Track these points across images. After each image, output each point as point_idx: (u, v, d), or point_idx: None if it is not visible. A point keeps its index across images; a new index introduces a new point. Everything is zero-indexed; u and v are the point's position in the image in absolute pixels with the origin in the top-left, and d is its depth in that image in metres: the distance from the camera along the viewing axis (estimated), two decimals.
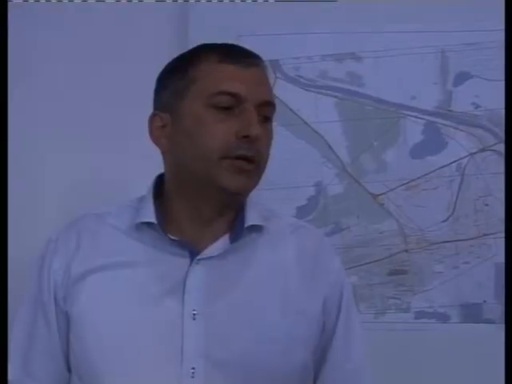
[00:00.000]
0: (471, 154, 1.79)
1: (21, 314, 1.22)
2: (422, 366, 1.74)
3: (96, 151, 1.78)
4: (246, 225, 1.16)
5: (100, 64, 1.77)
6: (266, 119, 1.15)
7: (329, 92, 1.82)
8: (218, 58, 1.13)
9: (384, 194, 1.81)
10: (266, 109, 1.15)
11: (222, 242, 1.16)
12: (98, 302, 1.15)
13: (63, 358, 1.19)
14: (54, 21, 1.80)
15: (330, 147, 1.82)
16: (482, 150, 1.79)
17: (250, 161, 1.11)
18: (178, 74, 1.15)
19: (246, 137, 1.10)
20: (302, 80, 1.83)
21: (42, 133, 1.80)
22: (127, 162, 1.72)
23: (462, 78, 1.79)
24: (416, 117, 1.80)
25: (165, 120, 1.16)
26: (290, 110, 1.83)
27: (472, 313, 1.76)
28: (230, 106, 1.11)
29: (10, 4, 1.49)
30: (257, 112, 1.12)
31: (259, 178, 1.16)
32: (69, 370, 1.20)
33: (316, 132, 1.82)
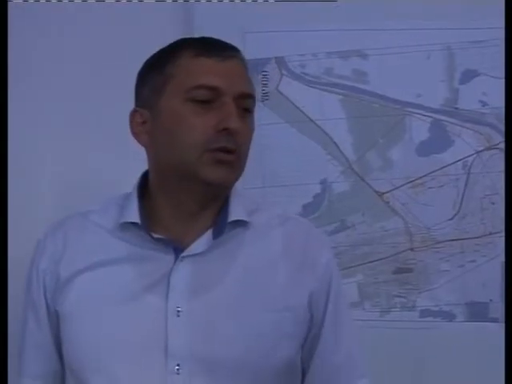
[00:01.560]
0: (477, 152, 1.78)
1: (20, 315, 1.24)
2: (426, 365, 1.74)
3: (96, 151, 1.77)
4: (228, 220, 1.16)
5: (102, 64, 1.77)
6: (246, 111, 1.15)
7: (334, 89, 1.82)
8: (195, 52, 1.13)
9: (389, 191, 1.80)
10: (246, 101, 1.15)
11: (206, 238, 1.16)
12: (85, 301, 1.16)
13: (57, 354, 1.22)
14: (54, 21, 1.80)
15: (336, 145, 1.82)
16: (489, 149, 1.78)
17: (230, 152, 1.12)
18: (155, 70, 1.16)
19: (226, 129, 1.10)
20: (307, 77, 1.83)
21: (43, 133, 1.79)
22: (128, 162, 1.71)
23: (468, 75, 1.78)
24: (422, 114, 1.79)
25: (145, 116, 1.16)
26: (296, 107, 1.82)
27: (477, 311, 1.76)
28: (209, 99, 1.12)
29: (9, 4, 1.49)
30: (236, 104, 1.12)
31: (241, 169, 1.16)
32: (63, 365, 1.22)
33: (321, 129, 1.82)
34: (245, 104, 1.15)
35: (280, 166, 1.79)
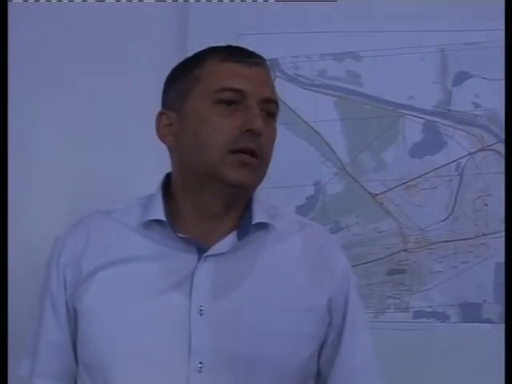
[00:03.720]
0: (470, 154, 1.79)
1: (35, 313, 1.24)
2: (420, 366, 1.74)
3: (96, 150, 1.77)
4: (253, 222, 1.18)
5: (100, 64, 1.77)
6: (270, 115, 1.18)
7: (328, 91, 1.82)
8: (221, 57, 1.16)
9: (383, 193, 1.80)
10: (270, 105, 1.17)
11: (230, 238, 1.18)
12: (107, 296, 1.16)
13: (73, 354, 1.21)
14: (54, 21, 1.80)
15: (329, 146, 1.82)
16: (482, 150, 1.78)
17: (253, 154, 1.13)
18: (182, 75, 1.19)
19: (249, 130, 1.12)
20: (301, 79, 1.83)
21: (42, 132, 1.80)
22: (128, 161, 1.72)
23: (461, 77, 1.79)
24: (415, 116, 1.80)
25: (171, 118, 1.19)
26: (289, 108, 1.82)
27: (471, 312, 1.76)
28: (234, 101, 1.14)
29: (9, 4, 1.49)
30: (260, 108, 1.14)
31: (264, 172, 1.18)
32: (77, 362, 1.21)
33: (315, 131, 1.82)
34: (269, 108, 1.17)
35: (273, 168, 1.78)
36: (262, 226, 1.19)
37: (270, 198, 1.74)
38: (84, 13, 1.80)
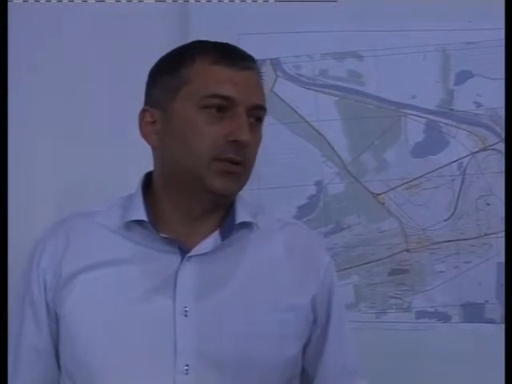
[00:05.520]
0: (473, 153, 1.78)
1: (11, 317, 1.21)
2: (422, 366, 1.74)
3: (96, 151, 1.78)
4: (236, 222, 1.17)
5: (100, 64, 1.78)
6: (257, 120, 1.16)
7: (329, 90, 1.82)
8: (212, 59, 1.13)
9: (385, 193, 1.80)
10: (258, 112, 1.15)
11: (213, 239, 1.17)
12: (88, 301, 1.14)
13: (55, 359, 1.19)
14: (54, 21, 1.80)
15: (331, 146, 1.82)
16: (484, 149, 1.78)
17: (237, 163, 1.12)
18: (170, 72, 1.15)
19: (235, 141, 1.11)
20: (302, 78, 1.83)
21: (42, 132, 1.80)
22: (128, 162, 1.72)
23: (463, 76, 1.78)
24: (417, 116, 1.79)
25: (155, 116, 1.16)
26: (291, 108, 1.82)
27: (473, 312, 1.76)
28: (222, 108, 1.12)
29: (9, 4, 1.49)
30: (248, 115, 1.12)
31: (246, 180, 1.17)
32: (59, 367, 1.20)
33: (316, 131, 1.82)
34: (257, 114, 1.15)
35: (275, 168, 1.79)
36: (245, 225, 1.18)
37: (271, 198, 1.76)
38: (84, 13, 1.80)
